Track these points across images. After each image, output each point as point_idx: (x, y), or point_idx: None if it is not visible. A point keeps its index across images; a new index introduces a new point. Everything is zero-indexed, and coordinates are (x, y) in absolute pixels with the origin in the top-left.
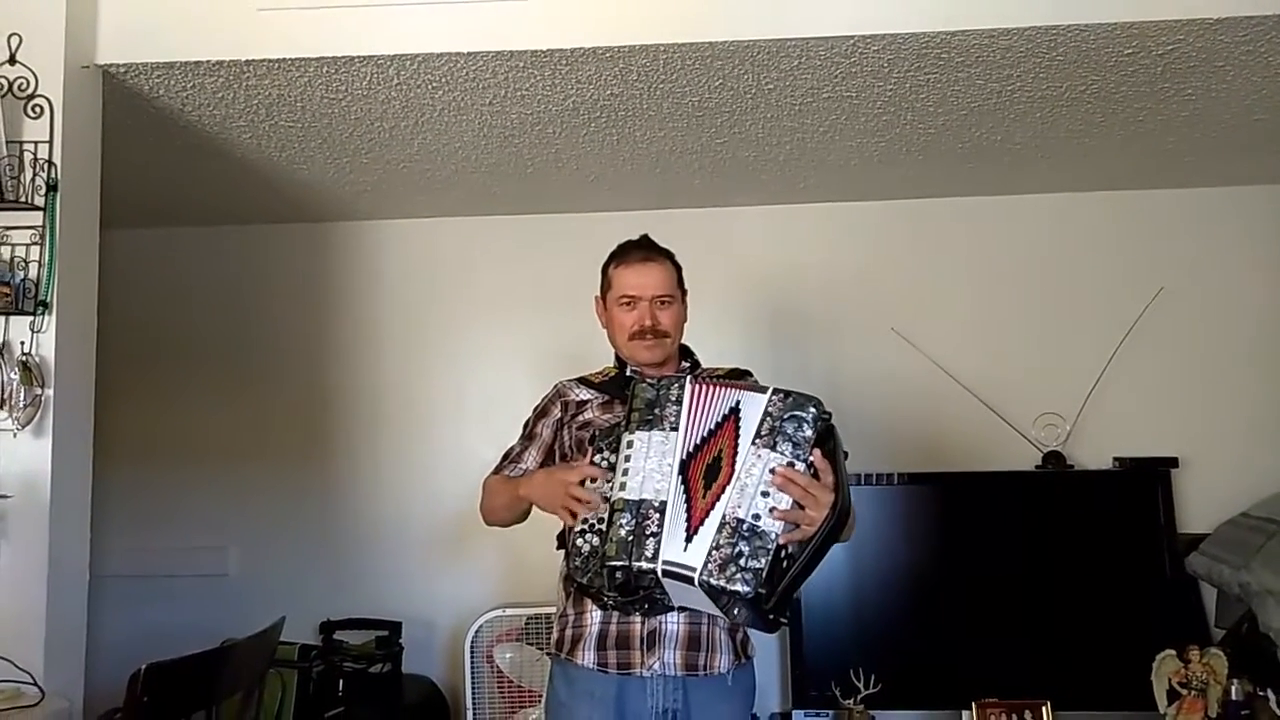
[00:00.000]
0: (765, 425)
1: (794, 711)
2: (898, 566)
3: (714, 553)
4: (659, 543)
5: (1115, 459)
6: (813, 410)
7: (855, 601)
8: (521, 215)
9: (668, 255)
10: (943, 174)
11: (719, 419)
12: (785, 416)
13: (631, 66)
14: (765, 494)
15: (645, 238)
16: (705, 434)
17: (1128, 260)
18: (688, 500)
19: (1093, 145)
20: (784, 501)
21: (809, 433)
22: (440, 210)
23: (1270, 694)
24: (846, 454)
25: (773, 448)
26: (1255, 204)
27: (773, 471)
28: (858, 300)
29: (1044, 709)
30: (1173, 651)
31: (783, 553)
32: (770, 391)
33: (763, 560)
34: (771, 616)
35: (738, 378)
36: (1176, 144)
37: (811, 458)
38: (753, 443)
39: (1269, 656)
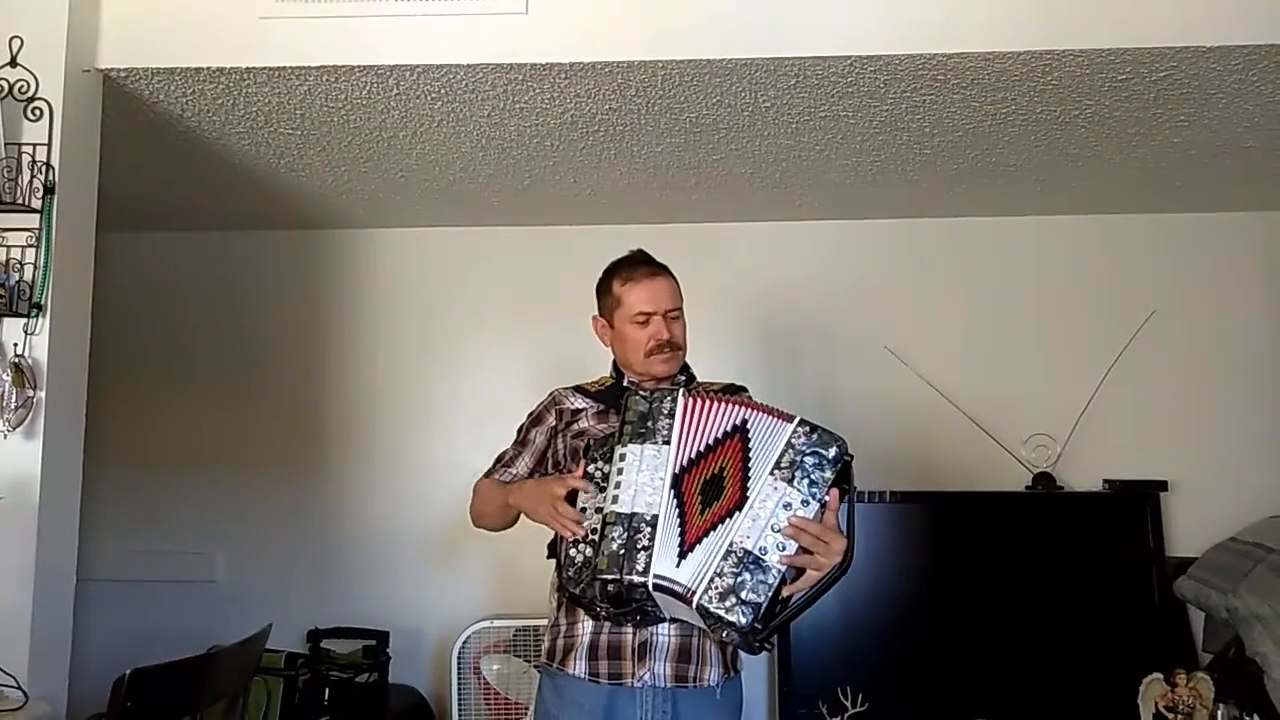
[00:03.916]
0: (786, 457)
1: None
2: (887, 585)
3: (716, 579)
4: (650, 556)
5: (1105, 481)
6: (835, 450)
7: (844, 620)
8: (518, 226)
9: (668, 269)
10: (937, 194)
11: (719, 435)
12: (809, 451)
13: (630, 82)
14: (776, 530)
15: (643, 252)
16: (702, 449)
17: (1120, 283)
18: (681, 515)
19: (1086, 169)
20: (792, 547)
21: (829, 473)
22: (437, 220)
23: (1257, 719)
24: (858, 492)
25: (790, 481)
26: (1247, 230)
27: (787, 506)
28: (851, 318)
29: None
30: (1160, 675)
31: (782, 591)
32: (796, 422)
33: (763, 595)
34: (757, 644)
35: (733, 393)
36: (1169, 169)
37: (826, 498)
38: (770, 472)
39: (1256, 681)
